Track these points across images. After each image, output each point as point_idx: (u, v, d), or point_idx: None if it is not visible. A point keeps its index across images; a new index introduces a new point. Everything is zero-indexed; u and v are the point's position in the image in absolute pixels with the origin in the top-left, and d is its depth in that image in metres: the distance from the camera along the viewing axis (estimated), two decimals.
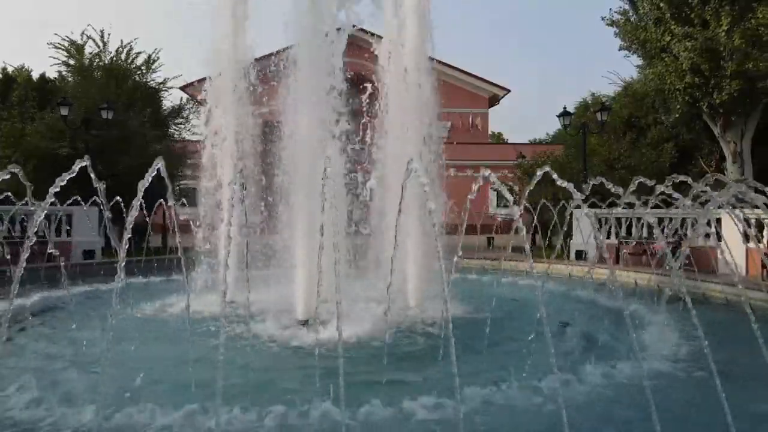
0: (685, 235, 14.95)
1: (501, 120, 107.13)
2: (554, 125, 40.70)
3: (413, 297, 7.82)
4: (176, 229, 7.14)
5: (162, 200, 9.79)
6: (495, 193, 31.86)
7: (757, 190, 6.25)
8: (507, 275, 12.95)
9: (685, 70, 18.54)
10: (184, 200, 11.73)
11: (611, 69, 43.80)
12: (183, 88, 31.08)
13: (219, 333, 4.88)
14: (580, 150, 21.05)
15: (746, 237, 13.09)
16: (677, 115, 20.85)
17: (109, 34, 25.03)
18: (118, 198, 7.92)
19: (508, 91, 41.19)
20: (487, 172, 4.92)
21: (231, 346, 6.03)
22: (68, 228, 15.24)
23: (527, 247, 4.26)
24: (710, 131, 21.04)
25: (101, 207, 7.23)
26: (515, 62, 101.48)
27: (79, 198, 9.73)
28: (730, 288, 10.26)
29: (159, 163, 4.72)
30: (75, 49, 24.79)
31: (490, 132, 45.64)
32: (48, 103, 23.23)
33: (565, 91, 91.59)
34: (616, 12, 21.21)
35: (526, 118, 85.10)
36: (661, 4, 18.79)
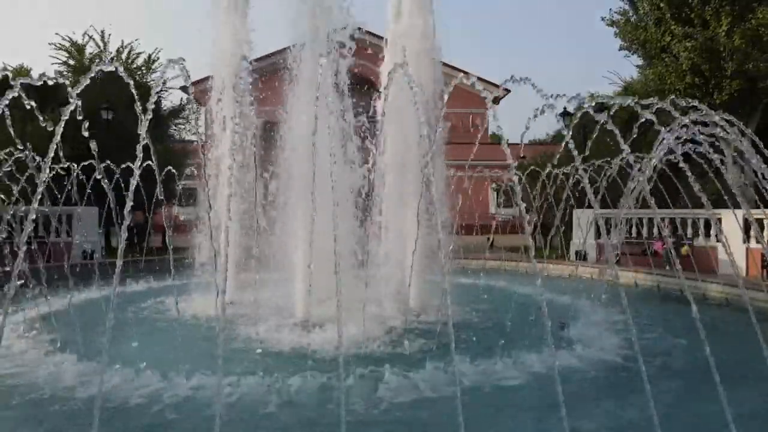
0: (685, 234, 14.95)
1: (502, 121, 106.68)
2: (554, 125, 40.72)
3: (413, 298, 7.71)
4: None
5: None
6: (495, 193, 31.88)
7: (754, 145, 6.16)
8: (508, 276, 12.94)
9: (685, 70, 18.52)
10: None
11: (611, 69, 43.84)
12: (183, 88, 31.08)
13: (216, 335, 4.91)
14: (580, 150, 21.03)
15: (747, 236, 13.08)
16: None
17: (110, 35, 25.05)
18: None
19: (508, 91, 41.16)
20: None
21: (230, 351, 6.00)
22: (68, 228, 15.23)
23: (531, 251, 4.23)
24: None
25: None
26: (515, 62, 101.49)
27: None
28: (730, 288, 10.27)
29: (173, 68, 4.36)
30: (75, 49, 24.79)
31: (489, 132, 45.62)
32: (48, 104, 23.15)
33: (566, 91, 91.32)
34: (616, 12, 21.21)
35: (526, 118, 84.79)
36: (661, 5, 18.78)
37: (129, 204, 3.88)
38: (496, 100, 42.22)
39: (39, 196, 4.07)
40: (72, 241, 14.98)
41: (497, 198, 31.94)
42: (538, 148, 35.49)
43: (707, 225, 14.55)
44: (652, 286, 12.18)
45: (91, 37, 24.68)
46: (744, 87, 18.05)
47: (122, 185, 7.84)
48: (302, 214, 6.95)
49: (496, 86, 40.25)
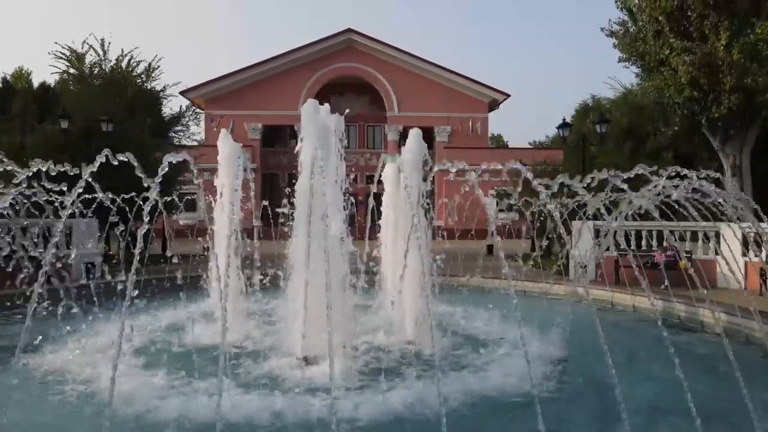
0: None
1: (502, 123, 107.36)
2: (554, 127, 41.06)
3: (411, 329, 7.57)
4: None
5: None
6: (495, 199, 31.90)
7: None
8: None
9: (684, 83, 18.57)
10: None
11: (611, 71, 44.45)
12: (183, 93, 31.15)
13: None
14: (579, 158, 21.13)
15: (746, 249, 13.12)
16: (676, 128, 20.93)
17: (109, 43, 25.08)
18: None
19: (508, 95, 41.35)
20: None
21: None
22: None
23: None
24: (709, 144, 21.09)
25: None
26: (515, 65, 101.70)
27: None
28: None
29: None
30: (75, 58, 24.81)
31: (489, 134, 45.89)
32: (48, 114, 23.13)
33: (565, 92, 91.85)
34: (615, 23, 21.26)
35: (527, 121, 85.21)
36: (660, 18, 18.83)
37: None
38: (496, 104, 42.42)
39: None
40: (71, 255, 14.82)
41: (497, 204, 31.95)
42: (538, 152, 35.62)
43: (707, 238, 14.60)
44: (648, 310, 11.96)
45: (90, 46, 24.72)
46: (743, 101, 18.11)
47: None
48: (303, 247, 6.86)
49: (496, 90, 40.62)
